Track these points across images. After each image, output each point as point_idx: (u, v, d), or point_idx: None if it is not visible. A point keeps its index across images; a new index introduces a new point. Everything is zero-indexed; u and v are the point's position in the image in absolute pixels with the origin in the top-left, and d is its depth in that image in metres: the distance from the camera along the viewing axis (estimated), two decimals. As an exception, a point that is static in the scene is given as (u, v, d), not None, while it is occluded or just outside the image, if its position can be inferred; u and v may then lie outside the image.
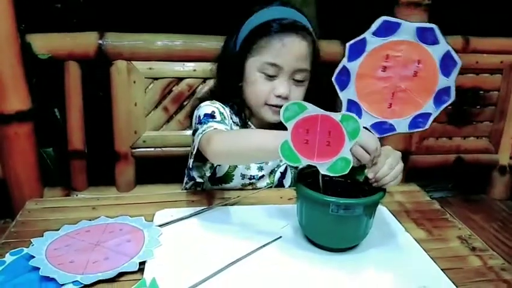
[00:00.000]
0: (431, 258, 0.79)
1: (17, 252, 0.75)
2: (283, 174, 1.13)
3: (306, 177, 0.79)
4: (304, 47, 0.99)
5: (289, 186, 1.14)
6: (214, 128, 0.91)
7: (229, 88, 1.06)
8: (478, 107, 1.69)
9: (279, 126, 1.04)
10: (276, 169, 1.12)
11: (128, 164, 1.47)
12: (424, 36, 0.66)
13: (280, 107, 0.97)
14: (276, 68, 0.98)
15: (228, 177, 1.08)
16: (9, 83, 1.31)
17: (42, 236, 0.79)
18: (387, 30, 0.66)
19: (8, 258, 0.74)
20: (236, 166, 1.07)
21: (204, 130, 0.90)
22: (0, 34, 1.28)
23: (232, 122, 1.06)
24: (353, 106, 0.69)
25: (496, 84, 1.68)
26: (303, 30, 0.99)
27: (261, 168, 1.10)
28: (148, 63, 1.37)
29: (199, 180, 0.97)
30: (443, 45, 0.66)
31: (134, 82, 1.38)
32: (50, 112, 1.49)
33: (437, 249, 0.82)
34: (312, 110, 0.69)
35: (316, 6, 1.79)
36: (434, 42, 0.66)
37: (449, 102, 0.67)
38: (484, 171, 1.81)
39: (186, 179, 1.18)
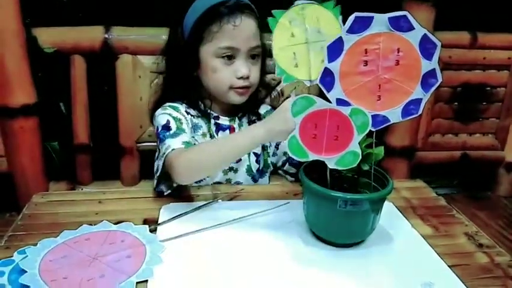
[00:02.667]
0: (438, 254, 0.78)
1: (23, 252, 0.73)
2: (258, 156, 1.12)
3: (312, 173, 0.78)
4: (253, 25, 0.98)
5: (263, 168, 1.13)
6: (172, 149, 0.90)
7: (183, 80, 1.04)
8: (484, 103, 1.69)
9: (236, 109, 1.06)
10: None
11: (132, 158, 1.47)
12: (398, 24, 0.66)
13: (244, 87, 1.00)
14: (232, 51, 0.97)
15: None
16: (14, 77, 1.32)
17: (48, 231, 0.79)
18: (361, 25, 0.66)
19: (17, 257, 0.72)
20: None
21: (164, 153, 0.91)
22: (5, 28, 1.28)
23: (191, 115, 1.05)
24: (343, 104, 0.68)
25: (503, 81, 1.67)
26: (247, 8, 0.98)
27: None
28: (154, 58, 1.36)
29: (167, 192, 0.97)
30: (419, 30, 0.66)
31: (139, 76, 1.38)
32: (55, 106, 1.50)
33: (444, 246, 0.82)
34: (321, 104, 0.69)
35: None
36: (410, 28, 0.66)
37: (438, 84, 0.66)
38: (489, 168, 1.80)
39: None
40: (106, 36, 1.35)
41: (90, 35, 1.37)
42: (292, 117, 0.72)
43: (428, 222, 0.91)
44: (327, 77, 0.68)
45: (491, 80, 1.65)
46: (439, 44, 0.65)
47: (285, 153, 1.12)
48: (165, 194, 0.96)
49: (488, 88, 1.66)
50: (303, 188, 0.81)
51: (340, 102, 0.69)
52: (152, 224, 0.83)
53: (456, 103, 1.65)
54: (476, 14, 1.71)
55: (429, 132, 1.65)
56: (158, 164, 0.96)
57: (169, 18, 1.09)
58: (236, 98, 1.02)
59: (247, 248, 0.78)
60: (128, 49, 1.36)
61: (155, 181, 1.00)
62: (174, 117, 0.99)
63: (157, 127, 0.99)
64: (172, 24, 1.06)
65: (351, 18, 0.66)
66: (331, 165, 0.71)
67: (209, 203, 0.91)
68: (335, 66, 0.68)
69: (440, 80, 0.66)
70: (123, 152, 1.46)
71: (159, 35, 1.37)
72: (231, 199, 0.95)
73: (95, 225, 0.81)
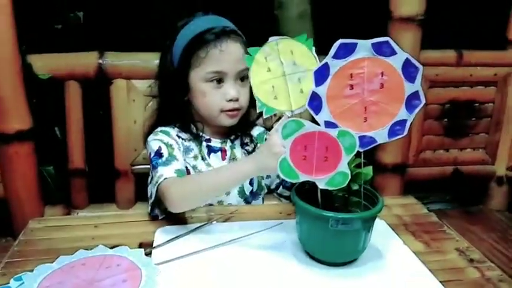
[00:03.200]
0: (429, 270, 0.80)
1: (20, 278, 0.73)
2: (251, 179, 1.13)
3: (304, 193, 0.80)
4: (239, 48, 1.01)
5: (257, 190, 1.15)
6: (165, 178, 0.92)
7: (174, 105, 1.07)
8: (473, 119, 1.72)
9: (228, 131, 1.09)
10: None
11: (128, 181, 1.47)
12: (381, 49, 0.69)
13: (235, 109, 1.02)
14: (220, 74, 1.00)
15: None
16: (10, 103, 1.33)
17: (45, 256, 0.80)
18: (345, 51, 0.69)
19: (13, 283, 0.72)
20: None
21: (157, 181, 0.93)
22: (1, 55, 1.30)
23: (182, 139, 1.07)
24: (331, 127, 0.71)
25: (490, 96, 1.70)
26: (233, 33, 1.02)
27: None
28: (147, 82, 1.39)
29: (162, 216, 0.99)
30: (401, 54, 0.69)
31: (134, 100, 1.39)
32: (50, 131, 1.51)
33: (435, 262, 0.83)
34: (310, 126, 0.71)
35: (312, 21, 1.83)
36: (392, 53, 0.69)
37: (421, 105, 0.69)
38: (481, 183, 1.82)
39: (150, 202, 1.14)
40: (100, 61, 1.37)
41: (85, 61, 1.39)
42: (280, 151, 0.74)
43: (420, 238, 0.93)
44: (315, 101, 0.71)
45: (478, 96, 1.68)
46: (421, 67, 0.68)
47: (278, 176, 1.13)
48: (160, 218, 0.98)
49: (477, 104, 1.69)
50: (295, 208, 0.82)
51: (328, 124, 0.71)
52: (147, 247, 0.84)
53: (446, 119, 1.68)
54: (461, 32, 1.76)
55: (420, 148, 1.67)
56: (152, 190, 0.98)
57: (160, 44, 1.11)
58: (227, 121, 1.04)
59: (242, 268, 0.79)
60: (121, 74, 1.38)
61: (149, 206, 1.01)
62: (165, 143, 1.01)
63: (150, 153, 1.01)
64: (163, 50, 1.09)
65: (336, 44, 0.69)
66: (321, 185, 0.73)
67: (204, 225, 0.93)
68: (322, 90, 0.70)
69: (423, 101, 0.69)
70: (118, 175, 1.47)
71: (152, 60, 1.39)
72: (225, 220, 0.96)
73: (91, 249, 0.82)
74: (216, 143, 1.10)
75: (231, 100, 1.01)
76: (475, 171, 1.77)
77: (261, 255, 0.83)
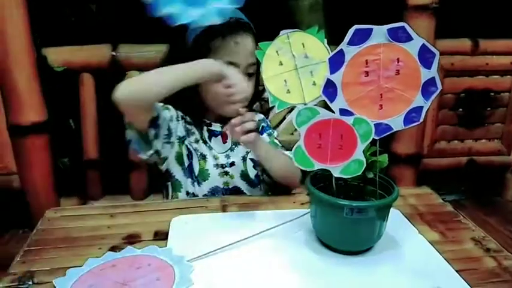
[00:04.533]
0: (445, 259, 0.79)
1: None
2: (255, 161, 1.13)
3: (318, 182, 0.80)
4: (252, 42, 1.03)
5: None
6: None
7: (184, 92, 1.04)
8: (489, 108, 1.70)
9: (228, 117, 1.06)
10: (246, 156, 1.13)
11: (141, 172, 1.49)
12: (397, 35, 0.68)
13: None
14: (232, 66, 1.00)
15: (204, 173, 1.09)
16: (25, 96, 1.35)
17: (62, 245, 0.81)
18: (360, 37, 0.69)
19: None
20: (206, 160, 1.09)
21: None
22: (16, 48, 1.32)
23: (186, 122, 1.10)
24: (346, 114, 0.70)
25: (506, 86, 1.68)
26: (247, 26, 1.03)
27: (227, 156, 1.12)
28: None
29: (151, 159, 1.02)
30: (417, 40, 0.68)
31: (147, 91, 1.40)
32: (65, 123, 1.53)
33: (451, 251, 0.82)
34: (324, 114, 0.71)
35: (324, 12, 1.81)
36: (408, 38, 0.68)
37: (438, 92, 0.68)
38: (497, 173, 1.80)
39: (163, 190, 1.16)
40: (113, 53, 1.39)
41: (98, 53, 1.40)
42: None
43: (435, 228, 0.92)
44: (330, 88, 0.70)
45: (494, 85, 1.66)
46: (437, 52, 0.67)
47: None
48: (150, 158, 1.02)
49: (492, 93, 1.67)
50: (310, 197, 0.82)
51: (343, 112, 0.71)
52: (163, 235, 0.85)
53: (460, 109, 1.66)
54: (477, 20, 1.73)
55: (434, 139, 1.66)
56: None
57: (170, 33, 1.12)
58: (231, 111, 1.04)
59: (260, 261, 0.78)
60: (134, 65, 1.40)
61: (165, 190, 1.02)
62: (164, 107, 1.03)
63: None
64: (174, 37, 1.09)
65: (351, 31, 0.68)
66: (336, 173, 0.73)
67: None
68: (337, 78, 0.70)
69: (440, 87, 0.68)
70: (132, 167, 1.49)
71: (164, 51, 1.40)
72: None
73: (119, 251, 0.80)
74: (216, 127, 1.11)
75: None
76: (490, 162, 1.75)
77: (275, 244, 0.83)
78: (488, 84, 1.65)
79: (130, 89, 0.90)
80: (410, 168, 1.63)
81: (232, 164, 1.12)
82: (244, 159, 1.13)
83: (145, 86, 0.90)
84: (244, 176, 1.13)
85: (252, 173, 1.14)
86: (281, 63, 0.77)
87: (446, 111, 1.66)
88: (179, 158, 1.08)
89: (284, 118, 1.59)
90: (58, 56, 1.40)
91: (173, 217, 0.92)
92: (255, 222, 0.90)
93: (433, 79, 0.68)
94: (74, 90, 1.47)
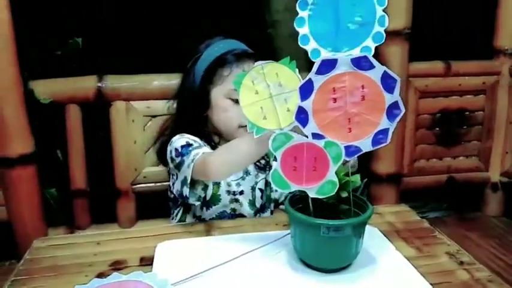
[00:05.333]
0: (420, 274, 0.82)
1: None
2: (263, 191, 1.21)
3: (297, 203, 0.83)
4: None
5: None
6: (202, 153, 0.99)
7: (195, 119, 1.14)
8: (464, 127, 1.76)
9: None
10: (255, 186, 1.20)
11: (128, 200, 1.51)
12: (360, 64, 0.73)
13: None
14: None
15: (215, 198, 1.15)
16: (13, 128, 1.38)
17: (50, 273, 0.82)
18: (327, 67, 0.74)
19: None
20: (219, 186, 1.15)
21: (193, 159, 0.99)
22: (4, 82, 1.35)
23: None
24: (318, 138, 0.75)
25: (480, 104, 1.75)
26: (252, 55, 1.12)
27: (238, 184, 1.18)
28: (146, 102, 1.44)
29: (197, 203, 1.06)
30: (379, 68, 0.73)
31: (133, 121, 1.44)
32: (52, 154, 1.55)
33: (426, 265, 0.86)
34: (298, 138, 0.75)
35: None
36: (371, 67, 0.73)
37: (401, 114, 0.73)
38: (476, 189, 1.85)
39: (173, 211, 1.24)
40: (99, 85, 1.42)
41: (85, 85, 1.44)
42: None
43: (411, 244, 0.95)
44: (302, 114, 0.75)
45: (468, 104, 1.72)
46: (398, 79, 0.72)
47: None
48: (196, 205, 1.08)
49: (467, 112, 1.73)
50: (289, 217, 0.86)
51: (315, 136, 0.75)
52: (148, 262, 0.87)
53: (437, 128, 1.72)
54: (448, 44, 1.81)
55: (414, 158, 1.71)
56: (186, 173, 1.00)
57: (180, 65, 1.22)
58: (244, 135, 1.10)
59: (246, 281, 0.81)
60: (120, 96, 1.43)
61: (186, 190, 1.03)
62: (193, 140, 1.08)
63: (176, 149, 1.06)
64: (184, 71, 1.19)
65: (318, 61, 0.73)
66: (312, 194, 0.77)
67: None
68: (308, 104, 0.74)
69: (403, 110, 0.73)
70: (119, 195, 1.50)
71: (150, 81, 1.45)
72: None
73: (105, 277, 0.79)
74: None
75: None
76: (470, 179, 1.80)
77: (256, 264, 0.86)
78: (463, 104, 1.72)
79: (227, 171, 0.97)
80: (391, 187, 1.67)
81: (241, 192, 1.17)
82: (253, 188, 1.19)
83: (239, 165, 0.98)
84: (251, 204, 1.19)
85: (258, 202, 1.20)
86: (257, 92, 0.81)
87: (424, 131, 1.71)
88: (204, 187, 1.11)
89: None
90: (45, 88, 1.43)
91: (158, 243, 0.94)
92: (238, 244, 0.92)
93: (396, 103, 0.73)
94: (60, 122, 1.50)
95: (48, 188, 1.53)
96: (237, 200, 1.17)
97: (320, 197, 0.76)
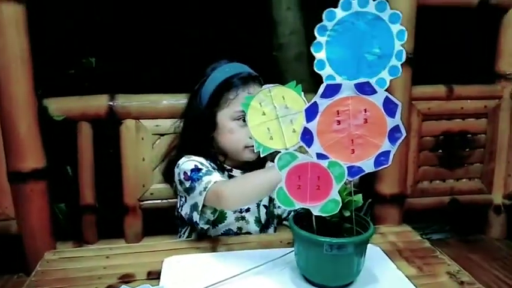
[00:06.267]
0: (421, 292, 0.84)
1: None
2: (267, 208, 1.24)
3: (301, 221, 0.86)
4: None
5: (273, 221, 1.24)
6: (214, 181, 1.01)
7: (202, 140, 1.17)
8: (467, 149, 1.78)
9: (255, 163, 1.16)
10: (259, 202, 1.22)
11: (136, 216, 1.54)
12: (363, 89, 0.77)
13: None
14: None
15: (222, 216, 1.17)
16: (27, 144, 1.42)
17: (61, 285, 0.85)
18: (332, 91, 0.78)
19: None
20: None
21: (206, 187, 1.01)
22: (19, 99, 1.40)
23: (211, 167, 1.16)
24: (322, 158, 0.78)
25: (482, 127, 1.77)
26: (257, 78, 1.15)
27: None
28: (155, 121, 1.48)
29: (206, 226, 1.09)
30: (381, 93, 0.77)
31: (142, 139, 1.48)
32: (62, 170, 1.59)
33: (427, 285, 0.88)
34: (302, 158, 0.78)
35: (308, 62, 1.93)
36: (373, 92, 0.77)
37: (403, 137, 0.77)
38: (479, 211, 1.86)
39: (180, 229, 1.27)
40: (111, 103, 1.47)
41: (96, 103, 1.48)
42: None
43: (413, 263, 0.97)
44: (307, 135, 0.78)
45: (471, 127, 1.75)
46: (399, 104, 0.75)
47: None
48: (205, 229, 1.09)
49: (469, 135, 1.76)
50: (293, 235, 0.88)
51: (320, 156, 0.79)
52: (156, 275, 0.90)
53: (440, 151, 1.74)
54: (450, 68, 1.85)
55: (417, 179, 1.73)
56: (197, 199, 1.03)
57: (188, 86, 1.25)
58: (250, 156, 1.14)
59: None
60: (131, 114, 1.48)
61: (196, 216, 1.05)
62: (200, 163, 1.11)
63: (185, 172, 1.09)
64: (191, 93, 1.22)
65: (323, 85, 0.77)
66: (315, 212, 0.80)
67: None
68: (313, 126, 0.78)
69: (404, 134, 0.76)
70: (126, 211, 1.53)
71: (159, 101, 1.49)
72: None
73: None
74: (237, 173, 1.19)
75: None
76: (473, 201, 1.81)
77: (261, 280, 0.88)
78: (465, 127, 1.74)
79: (242, 203, 1.05)
80: (395, 207, 1.68)
81: (247, 210, 1.20)
82: (258, 205, 1.22)
83: (254, 198, 1.05)
84: (257, 221, 1.21)
85: (263, 218, 1.22)
86: (264, 113, 0.86)
87: (427, 153, 1.74)
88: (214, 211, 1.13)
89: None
90: (58, 105, 1.47)
91: (165, 258, 0.97)
92: (243, 260, 0.95)
93: (397, 126, 0.76)
94: (72, 138, 1.54)
95: (57, 203, 1.56)
96: (243, 218, 1.20)
97: (323, 215, 0.79)
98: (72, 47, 1.70)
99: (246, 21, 1.98)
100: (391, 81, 0.80)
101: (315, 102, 0.77)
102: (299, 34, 1.96)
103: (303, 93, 0.84)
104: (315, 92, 0.81)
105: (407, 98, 1.60)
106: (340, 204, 0.78)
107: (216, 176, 1.05)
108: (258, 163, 1.19)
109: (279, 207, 1.26)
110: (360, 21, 0.77)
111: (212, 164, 1.16)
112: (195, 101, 1.20)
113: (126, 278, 0.90)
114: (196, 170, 1.07)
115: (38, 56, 1.48)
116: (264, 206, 1.23)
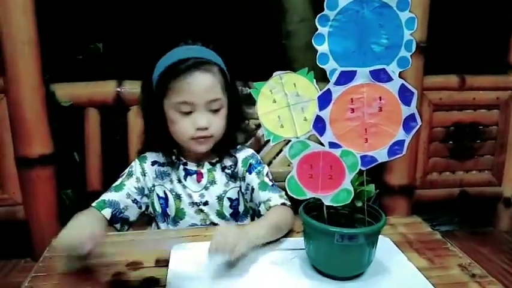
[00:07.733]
0: (432, 285, 0.83)
1: None
2: (233, 201, 1.16)
3: (311, 211, 0.85)
4: (209, 79, 1.04)
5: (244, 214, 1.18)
6: (93, 203, 1.06)
7: (155, 131, 1.11)
8: (478, 141, 1.76)
9: (207, 155, 1.12)
10: (223, 195, 1.14)
11: (143, 203, 1.53)
12: (378, 76, 0.74)
13: (204, 137, 1.06)
14: (188, 105, 1.04)
15: (180, 212, 1.13)
16: (33, 129, 1.42)
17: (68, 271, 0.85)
18: (346, 78, 0.75)
19: None
20: (181, 200, 1.13)
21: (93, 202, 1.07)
22: (26, 84, 1.40)
23: (159, 165, 1.14)
24: (334, 147, 0.76)
25: (494, 119, 1.75)
26: (206, 64, 1.04)
27: (202, 195, 1.13)
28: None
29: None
30: (397, 81, 0.74)
31: (149, 125, 1.46)
32: (69, 155, 1.59)
33: (438, 277, 0.87)
34: (314, 147, 0.77)
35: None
36: (389, 79, 0.74)
37: (418, 126, 0.74)
38: (489, 204, 1.84)
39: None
40: (118, 89, 1.46)
41: (104, 89, 1.48)
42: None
43: (423, 255, 0.96)
44: (319, 124, 0.77)
45: (482, 119, 1.73)
46: (415, 91, 0.73)
47: (258, 204, 1.11)
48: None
49: (481, 127, 1.74)
50: (303, 224, 0.87)
51: (332, 144, 0.77)
52: (163, 263, 0.89)
53: (451, 142, 1.73)
54: (463, 58, 1.82)
55: (427, 170, 1.72)
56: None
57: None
58: (197, 147, 1.08)
59: (259, 285, 0.83)
60: (138, 101, 1.46)
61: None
62: (129, 172, 1.12)
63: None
64: (143, 78, 1.13)
65: (337, 72, 0.75)
66: (327, 202, 0.78)
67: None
68: (325, 114, 0.76)
69: (420, 123, 0.74)
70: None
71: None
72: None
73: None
74: (192, 166, 1.13)
75: (200, 129, 1.05)
76: (482, 193, 1.80)
77: (270, 269, 0.87)
78: (476, 118, 1.72)
79: None
80: (403, 199, 1.67)
81: (205, 203, 1.13)
82: (220, 198, 1.14)
83: None
84: (220, 214, 1.14)
85: (227, 211, 1.15)
86: (275, 101, 0.83)
87: (437, 144, 1.72)
88: (153, 206, 1.15)
89: (281, 151, 1.65)
90: (65, 91, 1.47)
91: (173, 245, 0.96)
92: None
93: (413, 115, 0.74)
94: (79, 124, 1.53)
95: (64, 189, 1.56)
96: (202, 211, 1.13)
97: (335, 205, 0.78)
98: (80, 32, 1.68)
99: (255, 8, 1.95)
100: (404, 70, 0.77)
101: (328, 89, 0.75)
102: (308, 22, 1.93)
103: (314, 80, 0.82)
104: (325, 81, 0.78)
105: (419, 87, 1.58)
106: (353, 194, 0.76)
107: (105, 196, 1.07)
108: (219, 153, 1.14)
109: (250, 200, 1.15)
110: (365, 9, 0.73)
111: (165, 160, 1.13)
112: (146, 88, 1.11)
113: (134, 265, 0.89)
114: (120, 177, 1.11)
115: (45, 41, 1.47)
116: (229, 198, 1.15)
